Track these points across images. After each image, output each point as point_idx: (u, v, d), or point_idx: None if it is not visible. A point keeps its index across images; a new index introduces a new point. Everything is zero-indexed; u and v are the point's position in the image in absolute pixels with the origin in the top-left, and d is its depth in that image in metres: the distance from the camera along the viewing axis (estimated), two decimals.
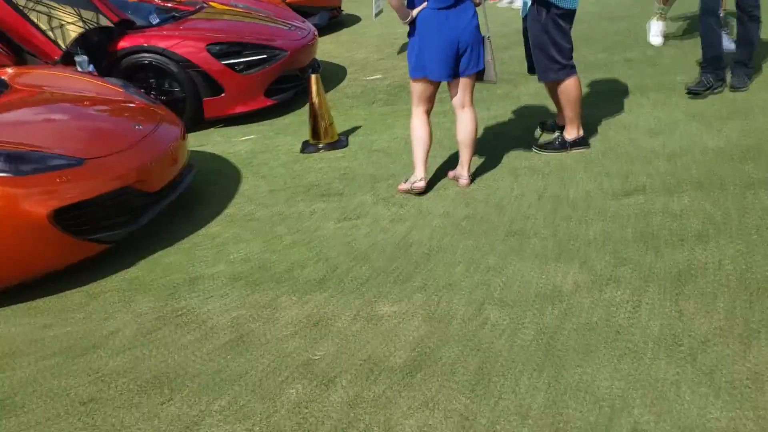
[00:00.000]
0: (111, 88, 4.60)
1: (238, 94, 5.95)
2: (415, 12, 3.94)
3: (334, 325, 3.03)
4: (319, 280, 3.42)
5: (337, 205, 4.25)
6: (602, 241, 3.43)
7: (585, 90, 5.49)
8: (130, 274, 3.68)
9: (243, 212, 4.31)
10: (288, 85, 6.23)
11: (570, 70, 4.39)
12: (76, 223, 3.53)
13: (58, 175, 3.46)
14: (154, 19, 6.40)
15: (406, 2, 3.95)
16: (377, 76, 6.90)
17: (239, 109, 5.98)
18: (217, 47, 5.88)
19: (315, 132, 5.28)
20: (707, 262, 3.13)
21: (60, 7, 5.50)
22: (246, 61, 5.95)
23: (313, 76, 5.22)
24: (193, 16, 6.53)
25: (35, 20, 5.36)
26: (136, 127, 4.07)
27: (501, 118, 5.35)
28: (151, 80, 5.86)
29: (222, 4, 7.12)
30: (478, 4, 4.04)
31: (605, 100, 5.39)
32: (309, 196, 4.44)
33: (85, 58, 5.79)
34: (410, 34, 4.04)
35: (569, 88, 4.42)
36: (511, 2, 9.23)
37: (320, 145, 5.25)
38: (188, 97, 5.83)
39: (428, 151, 4.25)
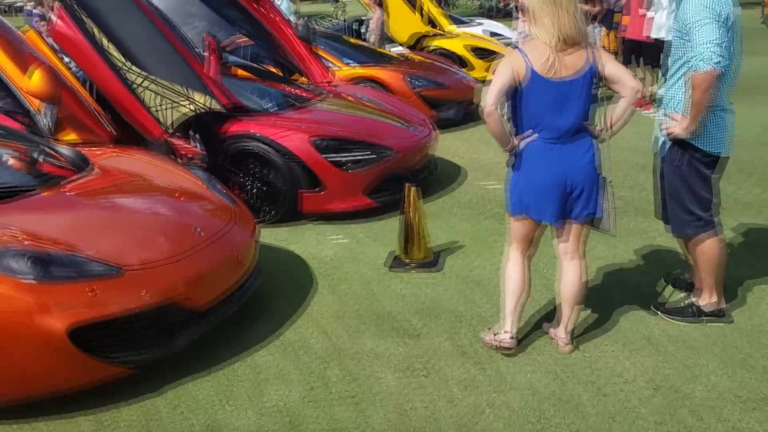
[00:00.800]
0: (192, 180, 4.30)
1: (339, 191, 5.57)
2: (522, 143, 3.30)
3: None
4: None
5: (407, 350, 3.61)
6: None
7: (729, 240, 4.52)
8: (150, 405, 3.21)
9: (299, 340, 3.77)
10: (395, 187, 5.76)
11: (711, 225, 3.55)
12: (100, 343, 3.13)
13: (88, 285, 3.08)
14: (270, 105, 6.23)
15: (510, 128, 3.34)
16: (498, 186, 6.26)
17: (339, 207, 5.59)
18: (324, 142, 5.56)
19: (405, 247, 4.72)
20: None
21: (172, 87, 5.39)
22: (352, 158, 5.57)
23: (412, 188, 4.69)
24: (310, 105, 6.29)
25: (144, 97, 5.27)
26: (198, 231, 3.69)
27: (622, 259, 4.52)
28: (255, 169, 5.62)
29: (346, 94, 6.87)
30: (602, 141, 3.34)
31: (756, 256, 4.41)
32: (379, 329, 3.84)
33: (198, 136, 5.68)
34: (512, 164, 3.40)
35: (709, 248, 3.57)
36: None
37: (409, 264, 4.68)
38: (288, 189, 5.51)
39: (523, 303, 3.54)
